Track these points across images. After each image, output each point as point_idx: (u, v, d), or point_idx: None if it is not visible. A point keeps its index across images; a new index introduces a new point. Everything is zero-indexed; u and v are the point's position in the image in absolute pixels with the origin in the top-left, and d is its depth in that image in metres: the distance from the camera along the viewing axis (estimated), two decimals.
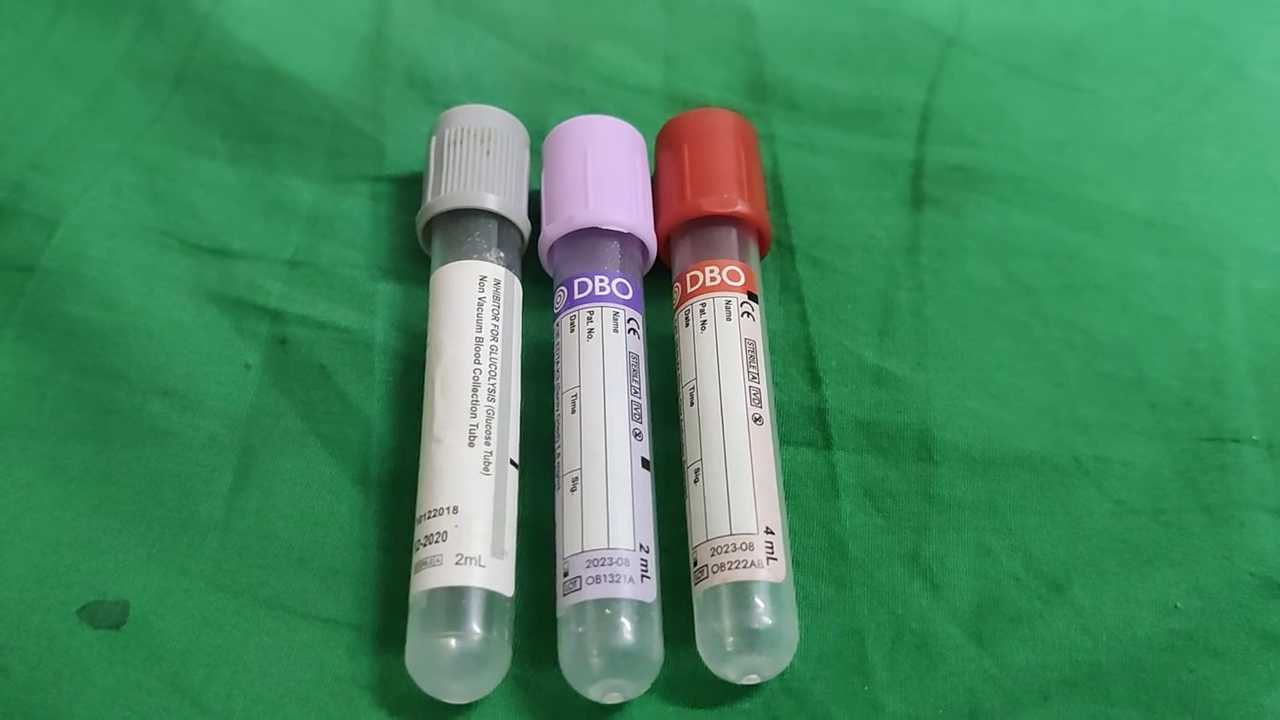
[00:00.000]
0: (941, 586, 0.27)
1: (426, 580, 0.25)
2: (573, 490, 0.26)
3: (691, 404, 0.27)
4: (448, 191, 0.30)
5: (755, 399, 0.27)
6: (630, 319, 0.28)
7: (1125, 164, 0.34)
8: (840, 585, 0.27)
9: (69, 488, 0.28)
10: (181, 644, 0.26)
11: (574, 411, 0.27)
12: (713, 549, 0.25)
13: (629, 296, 0.29)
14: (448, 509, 0.25)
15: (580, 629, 0.25)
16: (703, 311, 0.28)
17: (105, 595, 0.26)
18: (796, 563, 0.27)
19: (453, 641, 0.24)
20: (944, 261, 0.32)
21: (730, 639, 0.25)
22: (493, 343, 0.28)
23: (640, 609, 0.25)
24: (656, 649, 0.25)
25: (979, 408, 0.29)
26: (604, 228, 0.29)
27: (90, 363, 0.29)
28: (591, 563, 0.25)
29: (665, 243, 0.31)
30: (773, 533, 0.25)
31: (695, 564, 0.26)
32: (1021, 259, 0.32)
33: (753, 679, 0.25)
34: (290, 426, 0.29)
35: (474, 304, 0.28)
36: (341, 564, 0.27)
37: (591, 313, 0.28)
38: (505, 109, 0.32)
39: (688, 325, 0.29)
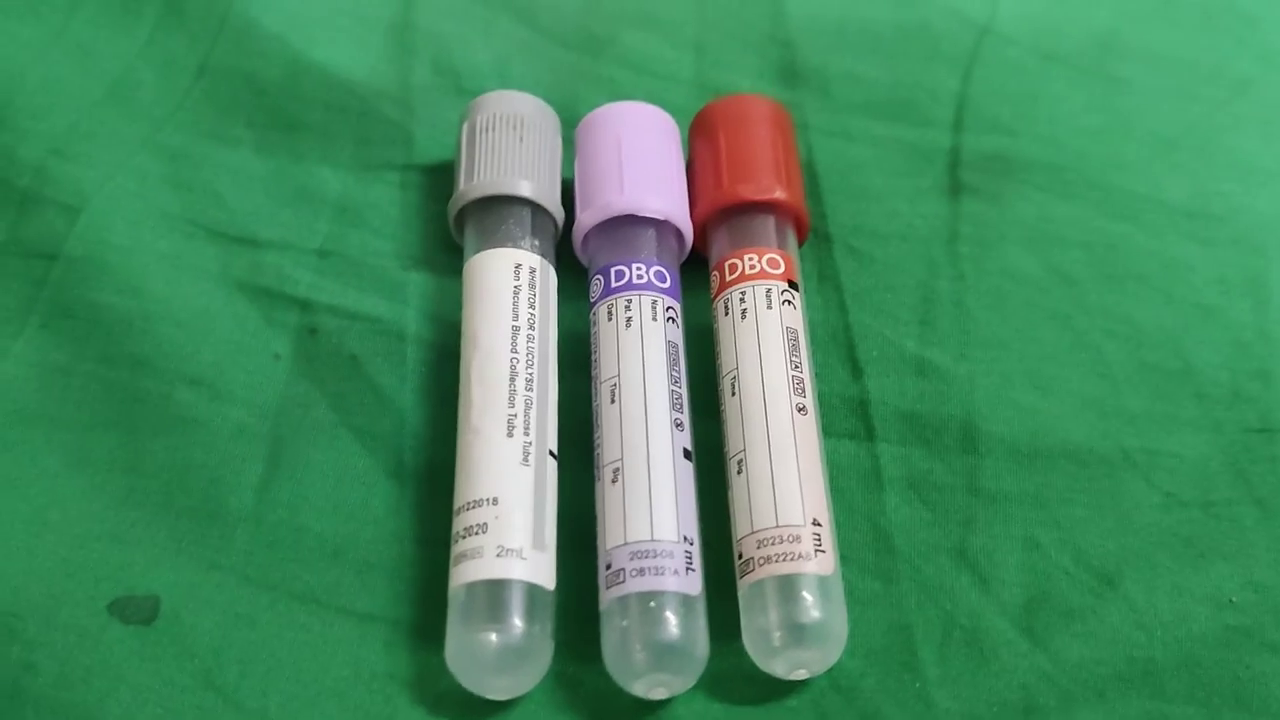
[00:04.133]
0: (990, 581, 0.26)
1: (466, 573, 0.24)
2: (614, 481, 0.25)
3: (733, 394, 0.27)
4: (481, 178, 0.29)
5: (798, 388, 0.27)
6: (669, 307, 0.28)
7: (1163, 153, 0.34)
8: (887, 579, 0.26)
9: (96, 479, 0.27)
10: (214, 640, 0.25)
11: (613, 401, 0.26)
12: (758, 541, 0.25)
13: (667, 285, 0.28)
14: (487, 500, 0.25)
15: (624, 623, 0.24)
16: (743, 300, 0.28)
17: (135, 590, 0.26)
18: (842, 556, 0.26)
19: (494, 636, 0.24)
20: (984, 250, 0.31)
21: (778, 633, 0.24)
22: (530, 331, 0.27)
23: (685, 602, 0.24)
24: (702, 643, 0.24)
25: (1024, 399, 0.29)
26: (640, 214, 0.29)
27: (116, 351, 0.29)
28: (635, 555, 0.24)
29: (700, 231, 0.30)
30: (820, 524, 0.25)
31: (740, 557, 0.25)
32: (1062, 249, 0.31)
33: (801, 674, 0.24)
34: (321, 417, 0.28)
35: (510, 292, 0.28)
36: (377, 557, 0.26)
37: (630, 301, 0.28)
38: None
39: (727, 314, 0.28)
